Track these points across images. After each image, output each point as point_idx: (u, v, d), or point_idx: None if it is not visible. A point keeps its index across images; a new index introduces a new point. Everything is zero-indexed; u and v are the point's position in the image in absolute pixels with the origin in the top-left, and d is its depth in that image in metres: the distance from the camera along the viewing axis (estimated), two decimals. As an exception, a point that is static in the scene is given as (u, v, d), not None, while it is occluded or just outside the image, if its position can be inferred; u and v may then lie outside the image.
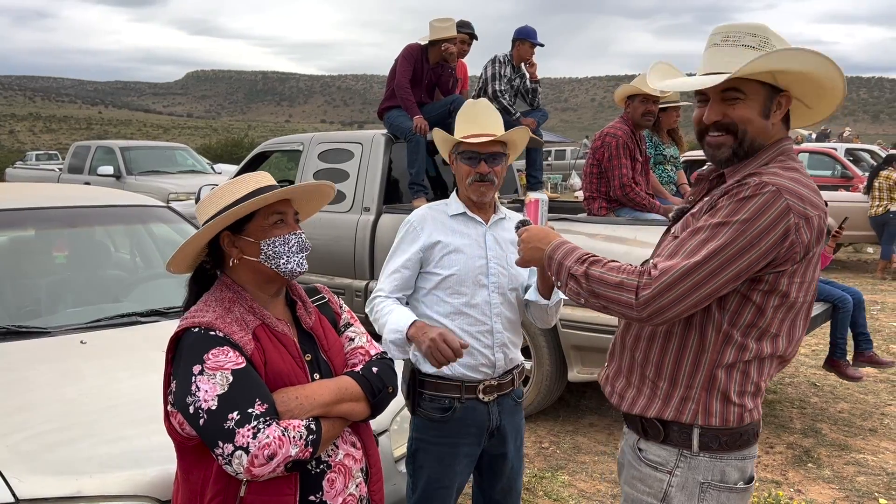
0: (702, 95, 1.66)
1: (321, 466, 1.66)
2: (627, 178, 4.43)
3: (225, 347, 1.57)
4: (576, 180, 16.69)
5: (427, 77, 5.62)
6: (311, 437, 1.55)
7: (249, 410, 1.50)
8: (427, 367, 2.29)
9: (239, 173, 6.55)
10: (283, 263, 1.69)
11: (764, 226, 1.50)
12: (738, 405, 1.64)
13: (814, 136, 21.58)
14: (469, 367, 2.28)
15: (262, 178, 1.74)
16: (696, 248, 1.53)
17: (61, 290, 3.28)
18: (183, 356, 1.58)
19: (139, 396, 2.43)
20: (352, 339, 1.86)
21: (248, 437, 1.48)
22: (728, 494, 1.66)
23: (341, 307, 1.94)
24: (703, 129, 1.68)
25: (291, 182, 6.25)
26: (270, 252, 1.68)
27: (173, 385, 1.59)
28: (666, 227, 1.86)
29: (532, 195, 2.03)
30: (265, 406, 1.53)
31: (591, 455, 4.18)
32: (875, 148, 16.72)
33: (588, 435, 4.48)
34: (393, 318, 2.18)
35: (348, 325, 1.90)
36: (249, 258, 1.69)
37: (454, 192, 2.42)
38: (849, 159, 14.08)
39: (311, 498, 1.64)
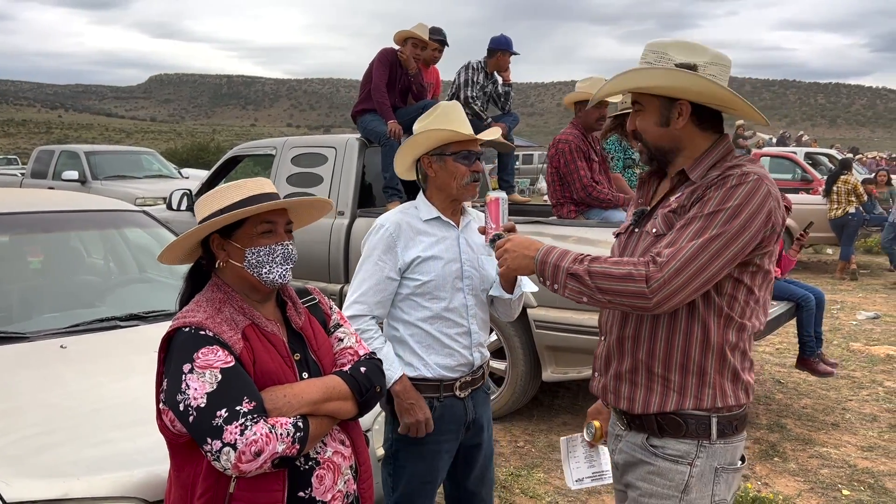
0: (636, 105, 1.84)
1: (310, 463, 1.69)
2: (587, 179, 4.54)
3: (214, 346, 1.61)
4: (544, 184, 16.86)
5: (401, 81, 5.68)
6: (298, 434, 1.58)
7: (237, 408, 1.53)
8: (406, 371, 2.31)
9: (210, 178, 6.53)
10: (266, 273, 1.72)
11: (753, 209, 1.63)
12: (745, 381, 1.76)
13: (774, 140, 22.11)
14: (448, 368, 2.33)
15: (260, 185, 1.77)
16: (695, 234, 1.63)
17: (38, 295, 3.26)
18: (174, 355, 1.61)
19: (123, 400, 2.44)
20: (341, 340, 1.89)
21: (235, 433, 1.51)
22: (733, 475, 1.78)
23: (331, 308, 1.97)
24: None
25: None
26: (254, 260, 1.71)
27: (165, 383, 1.62)
28: (627, 228, 1.92)
29: (492, 194, 2.04)
30: (253, 404, 1.56)
31: (566, 453, 4.26)
32: (833, 152, 17.21)
33: (563, 433, 4.55)
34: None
35: (338, 325, 1.93)
36: (235, 263, 1.73)
37: (420, 196, 2.39)
38: (808, 163, 14.48)
39: (300, 494, 1.67)
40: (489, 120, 6.00)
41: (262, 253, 1.71)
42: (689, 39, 1.79)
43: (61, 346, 2.75)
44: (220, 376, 1.56)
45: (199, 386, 1.55)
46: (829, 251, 12.76)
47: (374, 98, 5.49)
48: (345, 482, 1.77)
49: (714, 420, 1.73)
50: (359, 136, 5.65)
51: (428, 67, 6.01)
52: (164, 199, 10.12)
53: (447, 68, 6.38)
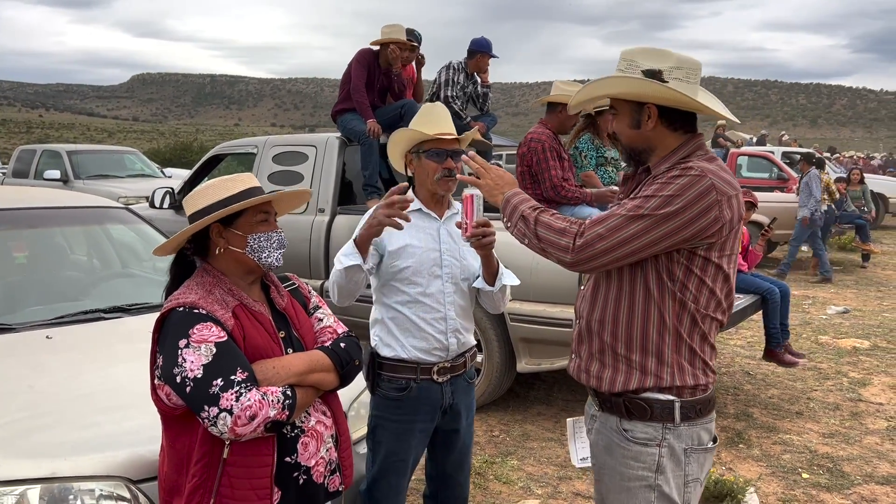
0: (612, 110, 1.97)
1: (295, 431, 1.84)
2: (558, 178, 4.67)
3: (208, 323, 1.75)
4: (526, 183, 16.97)
5: (379, 81, 5.79)
6: (287, 401, 1.74)
7: (232, 377, 1.69)
8: (385, 351, 2.46)
9: (193, 176, 6.61)
10: (265, 257, 1.88)
11: (687, 200, 1.73)
12: (702, 360, 1.87)
13: (754, 139, 22.41)
14: (424, 351, 2.44)
15: (250, 179, 1.93)
16: (626, 211, 1.77)
17: (23, 289, 3.35)
18: (169, 333, 1.75)
19: (107, 386, 2.54)
20: (320, 320, 2.06)
21: (231, 400, 1.66)
22: (703, 455, 1.90)
23: (310, 292, 2.13)
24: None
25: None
26: (255, 245, 1.87)
27: (160, 360, 1.76)
28: None
29: (467, 191, 2.19)
30: (246, 374, 1.71)
31: (539, 441, 4.40)
32: (811, 151, 17.49)
33: (536, 423, 4.71)
34: (339, 253, 2.36)
35: (317, 307, 2.10)
36: (235, 249, 1.88)
37: (409, 190, 2.52)
38: (785, 162, 14.74)
39: (287, 459, 1.81)
40: (468, 119, 6.13)
41: (262, 239, 1.88)
42: (656, 46, 1.92)
43: (47, 337, 2.84)
44: (214, 350, 1.71)
45: (195, 359, 1.69)
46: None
47: (353, 98, 5.61)
48: (326, 449, 1.92)
49: (677, 405, 1.85)
50: (339, 134, 5.76)
51: (404, 67, 6.13)
52: (147, 198, 10.17)
53: (430, 67, 6.49)
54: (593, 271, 1.84)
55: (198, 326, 1.74)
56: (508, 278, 2.51)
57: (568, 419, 2.33)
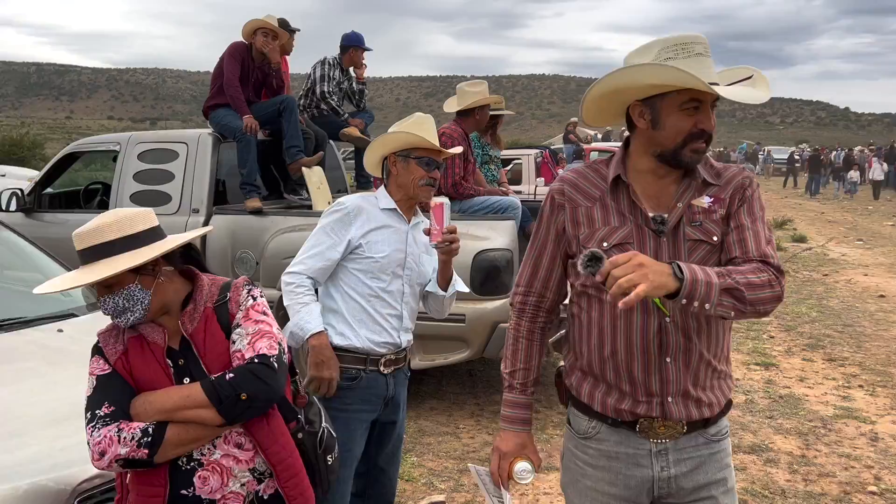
0: (696, 103, 1.66)
1: (192, 464, 1.78)
2: (459, 176, 4.77)
3: (97, 356, 1.83)
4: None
5: (254, 76, 5.59)
6: (145, 439, 1.69)
7: (97, 412, 1.73)
8: (337, 340, 2.50)
9: (44, 177, 6.09)
10: (115, 321, 1.84)
11: None
12: None
13: (599, 135, 23.73)
14: (376, 344, 2.52)
15: (99, 232, 1.77)
16: (766, 226, 1.76)
17: None
18: None
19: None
20: (234, 342, 1.84)
21: (90, 434, 1.71)
22: None
23: (241, 305, 1.88)
24: (696, 134, 1.68)
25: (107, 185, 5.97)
26: (103, 309, 1.83)
27: None
28: (634, 233, 1.75)
29: (436, 199, 2.27)
30: (111, 409, 1.73)
31: (435, 436, 4.45)
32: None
33: (430, 418, 4.76)
34: (304, 313, 2.43)
35: (237, 325, 1.86)
36: None
37: (382, 188, 2.60)
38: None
39: (183, 492, 1.77)
40: (346, 116, 6.07)
41: (102, 303, 1.82)
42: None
43: None
44: (95, 383, 1.78)
45: (86, 390, 1.80)
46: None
47: (227, 93, 5.37)
48: (241, 484, 1.81)
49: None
50: (211, 130, 5.51)
51: (282, 57, 5.95)
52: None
53: (295, 62, 6.34)
54: None
55: (93, 359, 1.82)
56: (460, 285, 2.65)
57: (475, 468, 2.02)
